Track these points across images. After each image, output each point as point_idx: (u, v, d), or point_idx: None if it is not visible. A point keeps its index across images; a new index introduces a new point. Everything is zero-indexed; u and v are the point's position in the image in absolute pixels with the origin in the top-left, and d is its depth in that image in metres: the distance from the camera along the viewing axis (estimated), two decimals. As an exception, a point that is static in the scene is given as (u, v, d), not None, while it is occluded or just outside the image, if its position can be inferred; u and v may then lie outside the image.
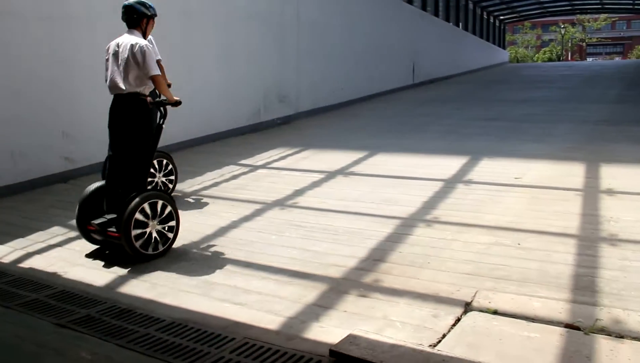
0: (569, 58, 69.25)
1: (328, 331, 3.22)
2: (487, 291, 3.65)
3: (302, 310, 3.51)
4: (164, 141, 7.21)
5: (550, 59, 64.54)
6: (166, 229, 4.59)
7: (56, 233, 5.19)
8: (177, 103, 4.69)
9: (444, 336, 3.13)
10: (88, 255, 4.67)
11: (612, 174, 6.64)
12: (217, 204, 6.00)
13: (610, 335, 3.06)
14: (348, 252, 4.44)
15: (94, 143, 7.56)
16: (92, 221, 4.54)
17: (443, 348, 2.97)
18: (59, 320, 3.44)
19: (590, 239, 4.57)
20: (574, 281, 3.78)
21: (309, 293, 3.75)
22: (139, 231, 4.38)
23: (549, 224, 4.96)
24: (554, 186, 6.26)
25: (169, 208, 4.61)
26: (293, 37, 12.43)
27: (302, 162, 8.12)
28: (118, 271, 4.24)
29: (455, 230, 4.88)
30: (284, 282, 3.94)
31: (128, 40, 4.61)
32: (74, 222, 4.67)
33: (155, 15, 4.86)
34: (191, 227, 5.18)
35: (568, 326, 3.19)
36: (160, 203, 4.55)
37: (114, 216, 4.52)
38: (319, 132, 11.01)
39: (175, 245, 4.70)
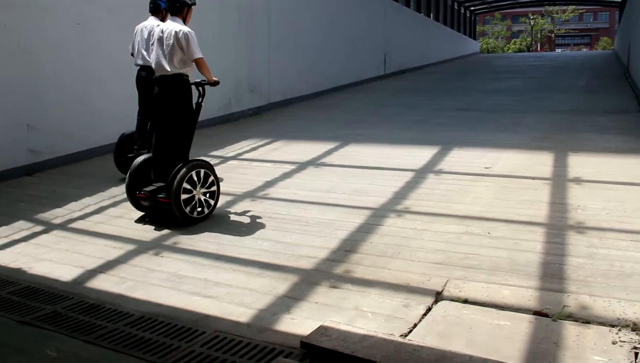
0: (539, 49, 70.08)
1: (299, 323, 3.21)
2: (457, 280, 3.68)
3: (273, 302, 3.50)
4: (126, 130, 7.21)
5: (520, 50, 65.25)
6: (208, 195, 5.16)
7: (21, 227, 5.07)
8: (215, 83, 5.28)
9: (415, 326, 3.14)
10: (137, 221, 5.21)
11: (580, 163, 6.73)
12: (187, 197, 5.93)
13: (577, 321, 3.12)
14: (319, 243, 4.43)
15: (59, 135, 7.45)
16: (143, 189, 5.10)
17: (414, 338, 2.98)
18: (23, 318, 3.36)
19: (558, 227, 4.63)
20: (543, 269, 3.83)
21: (280, 284, 3.73)
22: (186, 196, 4.92)
23: (518, 213, 5.02)
24: (523, 175, 6.32)
25: (211, 177, 5.19)
26: (264, 27, 12.34)
27: (273, 153, 8.08)
28: (86, 265, 4.17)
29: (425, 220, 4.90)
30: (255, 274, 3.92)
31: (172, 27, 5.11)
32: (40, 216, 4.63)
33: (195, 4, 5.30)
34: (161, 221, 5.12)
35: (537, 313, 3.23)
36: (203, 171, 5.12)
37: (163, 184, 5.10)
38: (290, 123, 10.97)
39: (145, 237, 4.65)
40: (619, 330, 3.00)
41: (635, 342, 2.87)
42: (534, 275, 3.73)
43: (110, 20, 8.14)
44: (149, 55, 5.63)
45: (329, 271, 3.91)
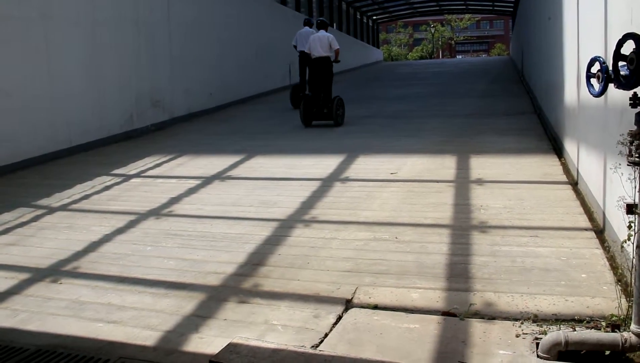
0: (440, 56, 72.57)
1: (208, 341, 3.11)
2: (366, 286, 3.69)
3: (180, 322, 3.38)
4: (18, 156, 6.85)
5: (422, 57, 67.29)
6: (340, 113, 11.07)
7: None
8: (339, 61, 11.71)
9: (326, 335, 3.11)
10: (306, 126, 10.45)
11: (481, 165, 6.97)
12: (87, 218, 5.67)
13: (483, 318, 3.20)
14: (227, 258, 4.34)
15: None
16: (314, 110, 11.07)
17: (325, 348, 2.96)
18: None
19: (462, 228, 4.76)
20: (449, 269, 3.91)
21: (187, 304, 3.62)
22: (340, 111, 10.97)
23: (424, 216, 5.12)
24: (427, 179, 6.48)
25: (342, 103, 11.15)
26: (165, 39, 12.09)
27: (178, 169, 7.89)
28: (-25, 298, 3.87)
29: (333, 229, 4.91)
30: (161, 295, 3.78)
31: (324, 34, 11.31)
32: None
33: (329, 25, 11.97)
34: (59, 245, 4.86)
35: (445, 313, 3.29)
36: (341, 100, 11.16)
37: (325, 110, 11.03)
38: (195, 138, 10.77)
39: (41, 264, 4.40)
40: (522, 323, 3.10)
41: (537, 332, 2.98)
42: (441, 276, 3.80)
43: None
44: (308, 47, 11.50)
45: (238, 287, 3.83)
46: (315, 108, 11.15)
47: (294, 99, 13.95)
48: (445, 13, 58.06)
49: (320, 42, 11.21)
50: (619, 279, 3.53)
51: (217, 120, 13.22)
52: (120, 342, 3.18)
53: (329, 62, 11.28)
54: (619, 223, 3.59)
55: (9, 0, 8.03)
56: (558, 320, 3.10)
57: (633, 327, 2.69)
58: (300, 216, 5.32)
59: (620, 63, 2.64)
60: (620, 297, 3.19)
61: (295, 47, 14.31)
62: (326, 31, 11.51)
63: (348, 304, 3.48)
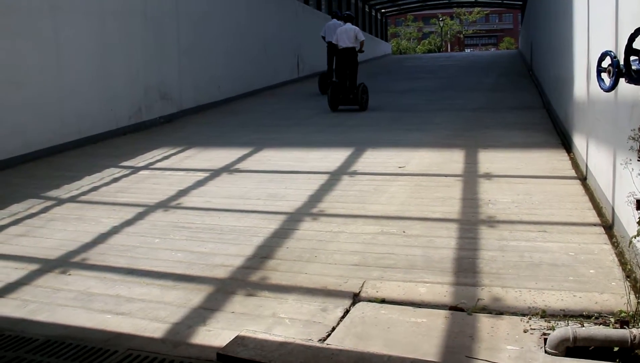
0: (449, 49, 72.31)
1: (216, 334, 3.12)
2: (374, 280, 3.69)
3: (188, 314, 3.39)
4: (28, 148, 6.90)
5: (430, 51, 67.08)
6: (365, 98, 12.13)
7: None
8: (363, 51, 12.79)
9: (333, 329, 3.12)
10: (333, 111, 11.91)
11: (489, 159, 6.94)
12: (96, 210, 5.69)
13: (491, 313, 3.19)
14: (234, 251, 4.35)
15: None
16: (341, 96, 12.27)
17: (332, 342, 2.96)
18: None
19: (470, 222, 4.75)
20: (457, 264, 3.90)
21: (195, 296, 3.63)
22: (365, 97, 12.26)
23: (432, 210, 5.11)
24: (436, 173, 6.46)
25: (367, 89, 12.26)
26: (173, 33, 12.08)
27: (186, 161, 7.90)
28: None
29: (341, 222, 4.91)
30: (169, 287, 3.79)
31: (351, 27, 12.43)
32: None
33: (355, 18, 13.01)
34: (68, 236, 4.88)
35: (452, 308, 3.28)
36: (366, 87, 12.21)
37: (351, 95, 12.08)
38: (203, 130, 10.78)
39: (50, 255, 4.42)
40: (530, 318, 3.10)
41: (545, 328, 2.97)
42: (448, 271, 3.79)
43: None
44: (336, 38, 12.65)
45: (245, 280, 3.84)
46: (342, 94, 12.19)
47: (322, 86, 15.37)
48: (455, 6, 57.87)
49: (347, 34, 12.38)
50: (628, 275, 3.51)
51: (226, 113, 13.22)
52: (129, 333, 3.20)
53: (354, 52, 12.40)
54: (628, 218, 3.57)
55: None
56: (566, 315, 3.09)
57: (642, 323, 2.68)
58: (308, 210, 5.33)
59: (632, 57, 2.62)
60: (629, 293, 3.18)
61: (323, 38, 15.26)
62: (352, 24, 12.69)
63: (355, 298, 3.48)
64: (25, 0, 8.08)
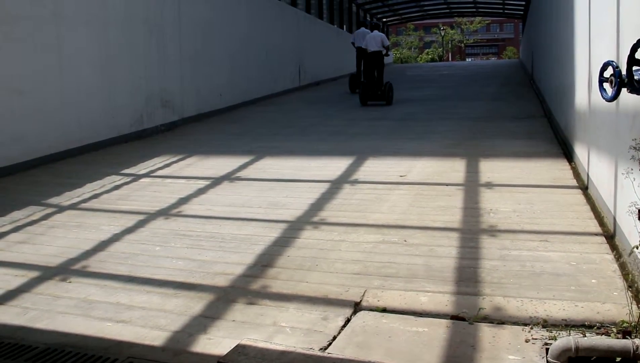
0: (450, 59, 72.47)
1: (216, 342, 3.11)
2: (375, 289, 3.68)
3: (188, 322, 3.38)
4: (30, 155, 6.90)
5: (432, 60, 67.19)
6: (391, 95, 14.69)
7: None
8: (389, 55, 15.76)
9: (334, 338, 3.11)
10: (363, 105, 14.51)
11: (491, 168, 6.94)
12: (97, 217, 5.69)
13: (492, 323, 3.19)
14: (235, 259, 4.34)
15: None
16: (371, 93, 14.69)
17: (333, 351, 2.95)
18: None
19: (472, 231, 4.74)
20: (458, 273, 3.90)
21: (196, 304, 3.62)
22: (391, 93, 14.79)
23: (433, 219, 5.10)
24: (437, 182, 6.46)
25: (392, 87, 14.79)
26: (175, 40, 12.12)
27: (187, 169, 7.90)
28: None
29: (342, 231, 4.90)
30: (170, 295, 3.78)
31: (378, 34, 15.08)
32: None
33: (380, 26, 14.41)
34: (69, 243, 4.88)
35: (454, 317, 3.27)
36: (390, 85, 14.70)
37: (379, 92, 14.58)
38: (205, 138, 10.79)
39: (51, 263, 4.42)
40: (531, 328, 3.09)
41: (546, 338, 2.96)
42: (450, 280, 3.79)
43: None
44: (365, 43, 14.96)
45: (246, 288, 3.83)
46: (371, 91, 14.65)
47: (352, 85, 18.24)
48: (456, 16, 57.92)
49: (375, 40, 14.96)
50: (630, 285, 3.50)
51: (227, 121, 13.24)
52: (129, 341, 3.18)
53: (381, 55, 14.92)
54: (630, 228, 3.57)
55: (27, 3, 8.08)
56: (568, 325, 3.08)
57: (644, 333, 2.67)
58: (309, 218, 5.32)
59: (635, 68, 2.62)
60: (631, 303, 3.17)
61: (353, 44, 17.78)
62: (378, 31, 15.39)
63: (356, 307, 3.47)
64: (28, 9, 8.11)
